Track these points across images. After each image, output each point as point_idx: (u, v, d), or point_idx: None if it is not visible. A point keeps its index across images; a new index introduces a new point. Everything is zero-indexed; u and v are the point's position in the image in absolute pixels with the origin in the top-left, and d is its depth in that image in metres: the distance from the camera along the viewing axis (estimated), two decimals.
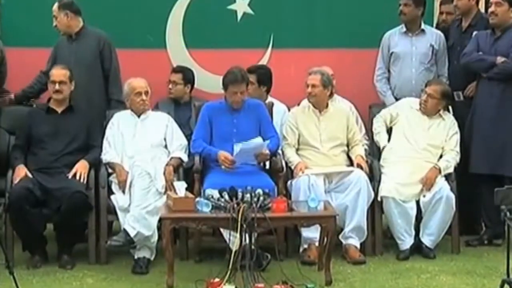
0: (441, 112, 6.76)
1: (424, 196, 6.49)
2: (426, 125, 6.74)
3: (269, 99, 6.99)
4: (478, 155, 6.70)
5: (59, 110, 6.58)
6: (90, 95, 6.85)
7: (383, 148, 6.77)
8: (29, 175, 6.27)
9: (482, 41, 6.78)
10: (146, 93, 6.59)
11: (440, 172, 6.55)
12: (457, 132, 6.75)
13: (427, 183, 6.48)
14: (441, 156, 6.69)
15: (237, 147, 6.22)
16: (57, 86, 6.49)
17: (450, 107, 7.02)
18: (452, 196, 6.46)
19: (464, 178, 6.75)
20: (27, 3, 7.17)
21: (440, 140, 6.71)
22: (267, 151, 6.35)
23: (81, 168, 6.34)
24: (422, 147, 6.66)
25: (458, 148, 6.71)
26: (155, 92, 6.78)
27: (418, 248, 6.50)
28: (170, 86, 7.16)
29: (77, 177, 6.28)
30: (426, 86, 6.78)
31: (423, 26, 7.17)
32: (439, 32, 7.23)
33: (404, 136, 6.71)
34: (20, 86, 6.99)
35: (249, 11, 7.37)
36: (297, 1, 7.45)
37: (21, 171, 6.28)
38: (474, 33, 6.91)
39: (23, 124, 6.56)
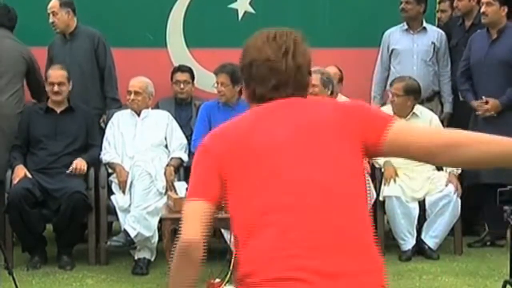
0: (414, 110, 6.69)
1: (431, 195, 6.44)
2: None
3: None
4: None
5: (58, 110, 6.54)
6: (86, 94, 6.82)
7: None
8: (29, 175, 6.23)
9: (478, 43, 6.72)
10: (135, 92, 6.55)
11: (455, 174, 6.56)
12: (441, 128, 6.70)
13: (456, 187, 6.48)
14: None
15: None
16: (56, 88, 6.44)
17: (446, 106, 7.11)
18: (459, 200, 6.44)
19: (464, 179, 6.71)
20: (27, 3, 7.12)
21: None
22: None
23: (79, 164, 6.30)
24: None
25: None
26: (155, 91, 6.74)
27: (420, 249, 6.46)
28: (182, 85, 7.08)
29: (75, 170, 6.25)
30: (390, 86, 6.73)
31: (424, 24, 7.14)
32: (441, 30, 7.19)
33: None
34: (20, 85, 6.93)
35: (250, 10, 7.34)
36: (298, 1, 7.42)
37: (20, 171, 6.25)
38: (478, 31, 6.87)
39: (22, 124, 6.52)
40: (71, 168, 6.29)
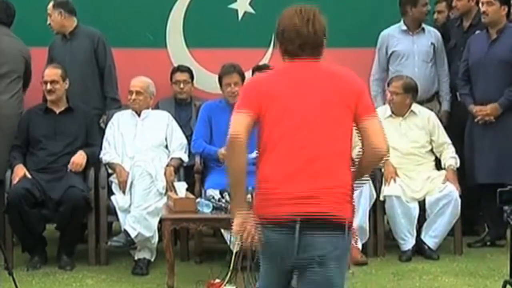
0: (412, 108, 6.69)
1: (431, 195, 6.44)
2: (402, 130, 6.67)
3: None
4: (482, 166, 6.66)
5: (57, 110, 6.53)
6: (86, 94, 6.82)
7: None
8: (28, 175, 6.23)
9: (477, 44, 6.71)
10: (137, 92, 6.56)
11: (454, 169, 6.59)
12: (440, 125, 6.73)
13: (454, 185, 6.48)
14: (432, 151, 6.70)
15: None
16: (49, 86, 6.43)
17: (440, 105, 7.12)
18: (459, 200, 6.43)
19: (464, 179, 6.71)
20: (26, 3, 7.12)
21: (422, 139, 6.67)
22: None
23: (76, 159, 6.31)
24: (405, 153, 6.60)
25: (449, 139, 6.71)
26: (155, 92, 6.74)
27: (420, 249, 6.46)
28: (182, 85, 7.08)
29: (74, 167, 6.26)
30: (388, 85, 6.74)
31: (422, 24, 7.14)
32: (436, 30, 7.21)
33: None
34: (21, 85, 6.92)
35: (250, 10, 7.34)
36: (298, 0, 7.41)
37: (20, 171, 6.25)
38: (476, 32, 6.87)
39: (22, 124, 6.51)
40: (69, 166, 6.29)
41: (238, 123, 3.46)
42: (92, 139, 6.54)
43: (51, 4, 6.82)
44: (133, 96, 6.56)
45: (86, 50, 6.85)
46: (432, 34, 7.14)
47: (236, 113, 3.50)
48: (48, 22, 6.82)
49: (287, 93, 3.51)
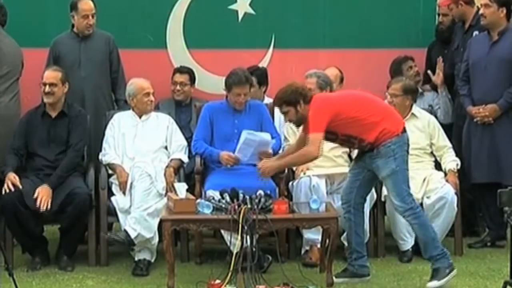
0: (413, 111, 6.69)
1: (428, 197, 6.44)
2: None
3: (271, 100, 6.96)
4: (478, 165, 6.67)
5: (53, 114, 6.48)
6: (98, 95, 6.88)
7: None
8: (19, 184, 6.10)
9: (478, 45, 6.71)
10: (153, 93, 6.58)
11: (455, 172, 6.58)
12: (440, 128, 6.73)
13: (455, 187, 6.46)
14: (432, 154, 6.71)
15: (243, 135, 6.16)
16: (47, 88, 6.38)
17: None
18: (455, 199, 6.41)
19: (464, 180, 6.71)
20: (27, 3, 7.13)
21: (422, 141, 6.66)
22: (271, 151, 6.31)
23: (42, 193, 6.10)
24: None
25: (449, 142, 6.71)
26: (155, 92, 6.74)
27: (418, 250, 6.45)
28: (179, 87, 7.10)
29: (41, 206, 6.04)
30: (387, 88, 6.71)
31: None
32: (432, 118, 7.01)
33: None
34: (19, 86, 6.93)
35: (250, 11, 7.35)
36: (299, 1, 7.42)
37: (11, 179, 6.12)
38: (475, 33, 6.87)
39: (21, 128, 6.44)
40: (38, 201, 6.06)
41: (319, 146, 5.48)
42: (73, 138, 6.39)
43: (92, 4, 6.82)
44: (151, 97, 6.56)
45: (102, 52, 6.90)
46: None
47: (316, 133, 5.44)
48: (92, 22, 6.82)
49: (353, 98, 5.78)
